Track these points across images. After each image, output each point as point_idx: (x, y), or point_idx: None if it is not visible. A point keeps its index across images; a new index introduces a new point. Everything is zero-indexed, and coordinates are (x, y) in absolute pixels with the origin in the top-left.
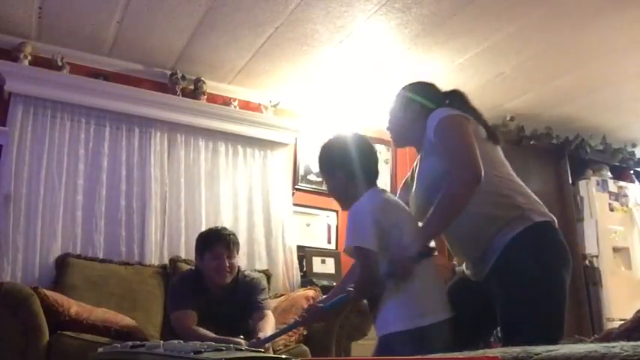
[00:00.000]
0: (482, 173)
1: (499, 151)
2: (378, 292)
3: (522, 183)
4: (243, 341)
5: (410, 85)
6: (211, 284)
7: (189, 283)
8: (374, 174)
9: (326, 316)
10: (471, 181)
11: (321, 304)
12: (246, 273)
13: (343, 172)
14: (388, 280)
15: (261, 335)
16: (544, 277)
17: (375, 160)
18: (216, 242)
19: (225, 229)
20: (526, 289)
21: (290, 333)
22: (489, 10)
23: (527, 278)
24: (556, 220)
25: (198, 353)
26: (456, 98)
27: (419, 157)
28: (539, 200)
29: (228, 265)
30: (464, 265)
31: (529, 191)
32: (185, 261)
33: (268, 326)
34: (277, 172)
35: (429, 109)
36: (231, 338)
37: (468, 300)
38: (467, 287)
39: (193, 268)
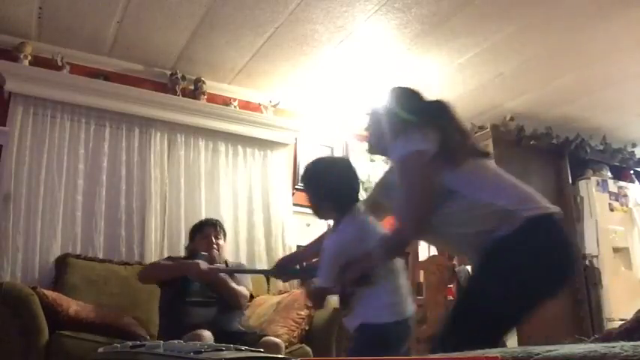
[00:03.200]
0: (421, 230)
1: (484, 163)
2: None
3: (515, 182)
4: (202, 262)
5: (395, 91)
6: None
7: (175, 259)
8: (354, 198)
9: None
10: (411, 235)
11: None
12: (231, 260)
13: (329, 197)
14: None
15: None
16: (503, 283)
17: (357, 185)
18: (205, 225)
19: (212, 218)
20: (480, 286)
21: (293, 328)
22: (489, 11)
23: (486, 279)
24: (551, 210)
25: (198, 353)
26: (437, 110)
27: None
28: (532, 194)
29: (215, 243)
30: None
31: (523, 189)
32: None
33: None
34: (277, 172)
35: (406, 124)
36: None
37: None
38: None
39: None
